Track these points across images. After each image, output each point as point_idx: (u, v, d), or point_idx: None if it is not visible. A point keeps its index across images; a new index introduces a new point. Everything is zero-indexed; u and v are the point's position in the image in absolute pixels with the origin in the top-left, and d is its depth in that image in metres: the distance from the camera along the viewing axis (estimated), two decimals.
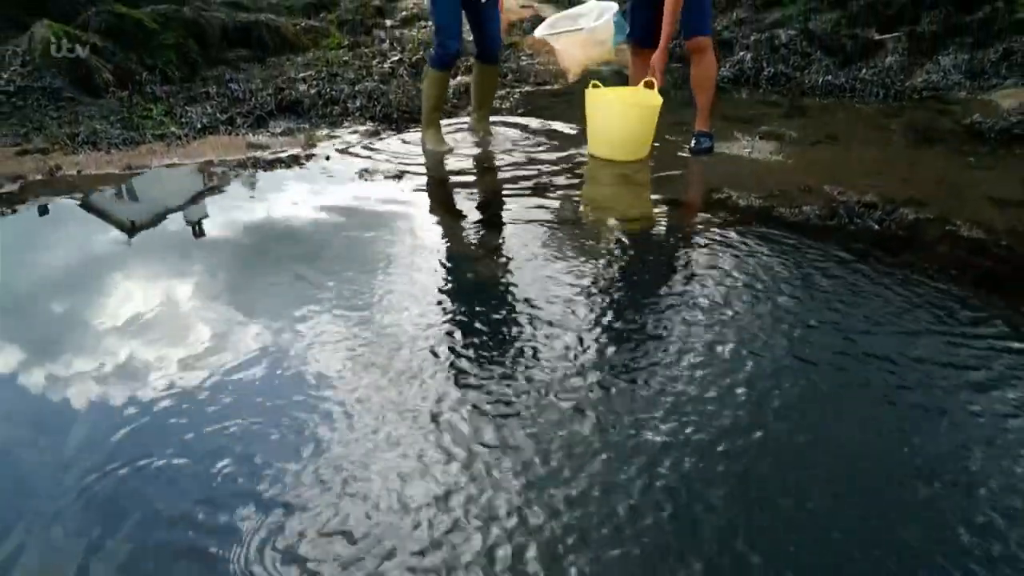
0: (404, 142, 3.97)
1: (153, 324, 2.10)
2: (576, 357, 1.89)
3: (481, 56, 3.85)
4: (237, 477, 1.48)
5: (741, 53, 5.83)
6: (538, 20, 7.10)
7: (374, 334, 2.01)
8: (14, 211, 3.06)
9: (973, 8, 6.01)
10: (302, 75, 5.19)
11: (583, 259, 2.50)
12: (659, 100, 3.45)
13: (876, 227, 2.73)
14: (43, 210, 3.08)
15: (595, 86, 3.55)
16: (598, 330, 2.03)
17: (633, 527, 1.35)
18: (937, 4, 6.05)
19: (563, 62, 3.75)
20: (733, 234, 2.69)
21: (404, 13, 7.28)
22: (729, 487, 1.44)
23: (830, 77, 5.28)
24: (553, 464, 1.51)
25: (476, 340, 1.99)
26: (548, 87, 5.43)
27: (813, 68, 5.62)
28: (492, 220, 2.94)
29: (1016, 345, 1.95)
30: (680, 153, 3.70)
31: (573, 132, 4.09)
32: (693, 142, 3.69)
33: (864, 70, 5.40)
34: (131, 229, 2.83)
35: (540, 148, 3.82)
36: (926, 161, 3.55)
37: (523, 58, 6.56)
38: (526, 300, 2.20)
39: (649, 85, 3.52)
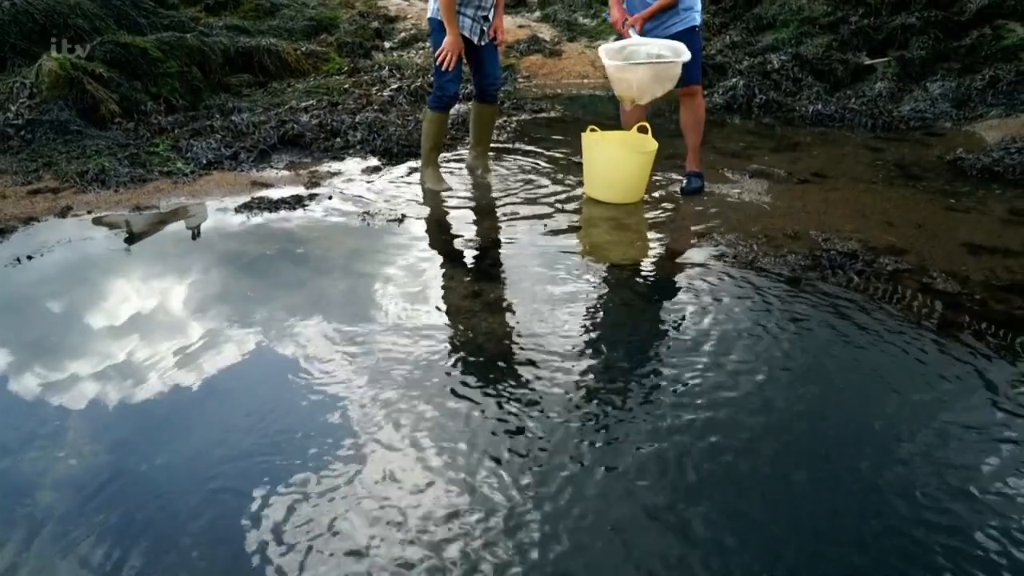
0: (404, 180, 4.09)
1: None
2: (573, 406, 2.02)
3: (479, 96, 3.96)
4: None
5: (734, 79, 5.96)
6: (534, 41, 7.23)
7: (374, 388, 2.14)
8: (30, 257, 3.16)
9: (961, 34, 6.15)
10: (304, 104, 5.30)
11: (578, 306, 2.63)
12: (654, 145, 3.57)
13: (856, 278, 2.86)
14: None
15: (592, 130, 3.66)
16: (593, 380, 2.16)
17: None
18: (925, 30, 6.19)
19: (628, 90, 3.44)
20: (725, 284, 2.82)
21: (403, 35, 7.38)
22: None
23: (820, 106, 5.40)
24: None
25: (470, 393, 2.12)
26: (544, 115, 5.55)
27: (804, 95, 5.76)
28: (489, 265, 3.06)
29: (979, 418, 2.08)
30: (673, 194, 3.82)
31: (570, 168, 4.21)
32: (685, 182, 3.82)
33: (853, 99, 5.53)
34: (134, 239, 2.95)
35: (537, 187, 3.95)
36: (908, 202, 3.68)
37: (520, 80, 6.68)
38: (519, 345, 2.33)
39: (643, 130, 3.64)
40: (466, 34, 3.67)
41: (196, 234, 3.41)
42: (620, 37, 3.62)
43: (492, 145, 4.41)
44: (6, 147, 4.51)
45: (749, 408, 2.08)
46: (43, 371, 2.33)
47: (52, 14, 5.73)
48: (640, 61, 3.39)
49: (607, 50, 3.50)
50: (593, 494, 1.77)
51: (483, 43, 3.74)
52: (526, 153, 4.58)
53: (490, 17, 3.71)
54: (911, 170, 4.17)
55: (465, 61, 3.87)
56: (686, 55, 3.37)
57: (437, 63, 3.68)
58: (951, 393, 2.16)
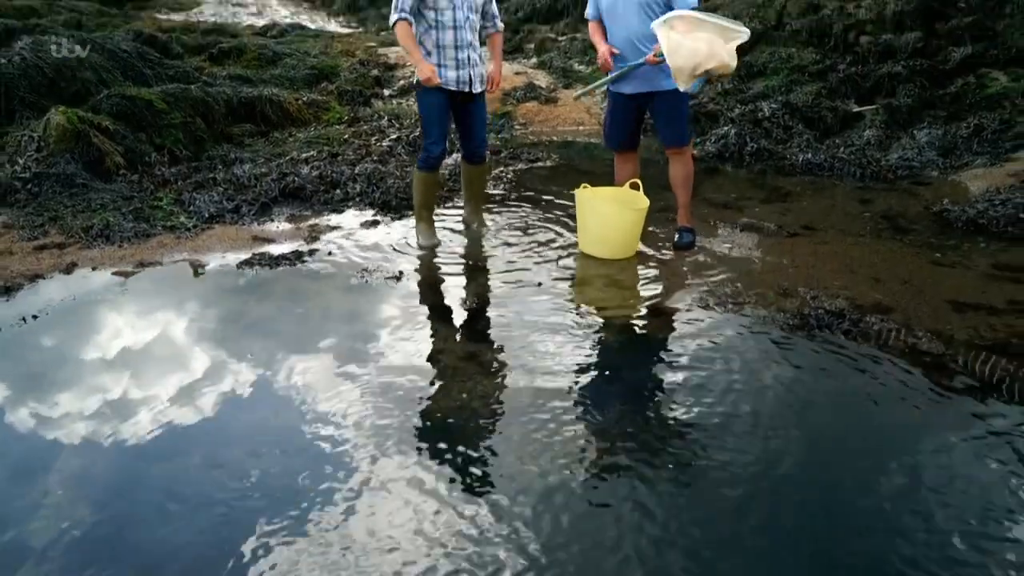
0: (402, 234, 4.16)
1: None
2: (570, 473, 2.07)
3: (467, 158, 4.01)
4: None
5: (726, 127, 6.09)
6: (531, 88, 7.39)
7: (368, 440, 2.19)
8: (35, 317, 3.23)
9: (946, 83, 6.31)
10: (304, 155, 5.42)
11: (573, 367, 2.70)
12: (646, 203, 3.67)
13: (842, 337, 2.93)
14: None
15: (584, 187, 3.76)
16: (591, 448, 2.21)
17: None
18: (911, 78, 6.35)
19: (693, 55, 3.19)
20: (716, 345, 2.89)
21: (402, 82, 7.54)
22: None
23: (810, 155, 5.52)
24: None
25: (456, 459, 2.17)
26: (540, 164, 5.66)
27: (794, 142, 5.88)
28: (485, 325, 3.14)
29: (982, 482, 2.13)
30: (665, 249, 3.89)
31: (564, 222, 4.29)
32: (677, 237, 3.91)
33: (842, 148, 5.65)
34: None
35: (532, 241, 4.03)
36: (896, 256, 3.76)
37: (516, 127, 6.82)
38: (514, 411, 2.39)
39: (635, 187, 3.74)
40: (453, 88, 3.67)
41: (198, 293, 3.48)
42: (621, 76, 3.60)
43: (489, 193, 4.49)
44: (13, 200, 4.61)
45: (750, 478, 2.13)
46: (44, 425, 2.39)
47: (61, 67, 5.90)
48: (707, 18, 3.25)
49: (666, 16, 3.28)
50: (590, 566, 1.81)
51: (475, 91, 3.72)
52: (521, 205, 4.67)
53: (477, 59, 3.69)
54: (898, 222, 4.26)
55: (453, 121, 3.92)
56: (745, 32, 3.27)
57: (422, 122, 3.77)
58: (945, 457, 2.22)
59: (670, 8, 3.42)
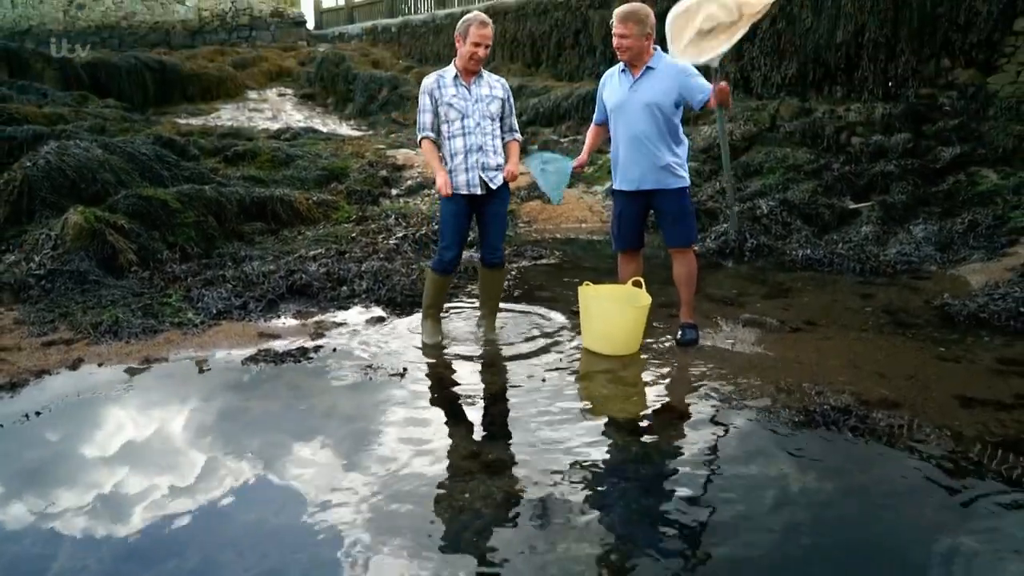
0: (407, 332, 4.18)
1: None
2: None
3: (483, 261, 4.06)
4: None
5: (726, 224, 6.23)
6: (535, 187, 7.61)
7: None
8: (38, 413, 3.22)
9: (937, 180, 6.50)
10: (312, 253, 5.54)
11: (576, 466, 2.66)
12: (648, 300, 3.72)
13: (850, 434, 2.89)
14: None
15: (587, 285, 3.81)
16: (595, 551, 2.14)
17: None
18: (904, 176, 6.54)
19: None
20: (720, 442, 2.87)
21: (409, 182, 7.81)
22: None
23: (809, 250, 5.61)
24: None
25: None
26: (544, 261, 5.77)
27: (793, 238, 5.99)
28: (488, 423, 3.12)
29: None
30: (668, 345, 3.91)
31: (568, 318, 4.31)
32: (679, 334, 3.92)
33: (840, 244, 5.75)
34: None
35: (536, 338, 4.04)
36: (899, 351, 3.76)
37: (520, 225, 6.99)
38: (516, 510, 2.33)
39: (637, 284, 3.80)
40: (463, 191, 3.77)
41: (201, 390, 3.48)
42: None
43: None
44: (27, 296, 4.69)
45: None
46: (39, 525, 2.34)
47: (82, 170, 6.13)
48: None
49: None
50: None
51: (492, 187, 3.79)
52: (526, 302, 4.71)
53: (491, 162, 3.76)
54: (900, 316, 4.28)
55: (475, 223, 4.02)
56: None
57: (440, 225, 3.88)
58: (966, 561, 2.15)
59: (676, 108, 3.66)
